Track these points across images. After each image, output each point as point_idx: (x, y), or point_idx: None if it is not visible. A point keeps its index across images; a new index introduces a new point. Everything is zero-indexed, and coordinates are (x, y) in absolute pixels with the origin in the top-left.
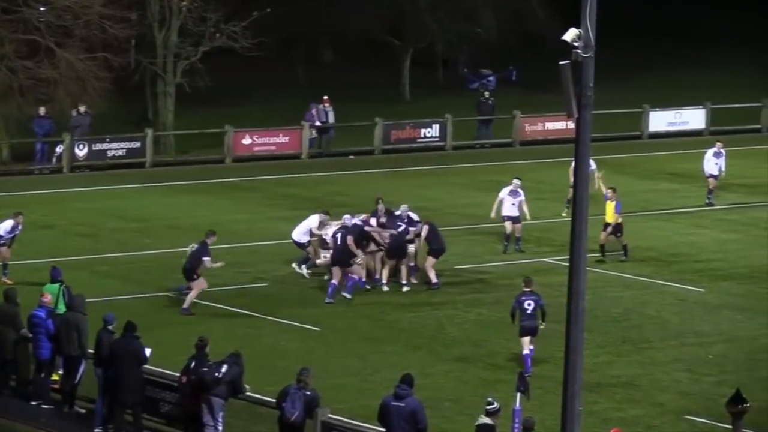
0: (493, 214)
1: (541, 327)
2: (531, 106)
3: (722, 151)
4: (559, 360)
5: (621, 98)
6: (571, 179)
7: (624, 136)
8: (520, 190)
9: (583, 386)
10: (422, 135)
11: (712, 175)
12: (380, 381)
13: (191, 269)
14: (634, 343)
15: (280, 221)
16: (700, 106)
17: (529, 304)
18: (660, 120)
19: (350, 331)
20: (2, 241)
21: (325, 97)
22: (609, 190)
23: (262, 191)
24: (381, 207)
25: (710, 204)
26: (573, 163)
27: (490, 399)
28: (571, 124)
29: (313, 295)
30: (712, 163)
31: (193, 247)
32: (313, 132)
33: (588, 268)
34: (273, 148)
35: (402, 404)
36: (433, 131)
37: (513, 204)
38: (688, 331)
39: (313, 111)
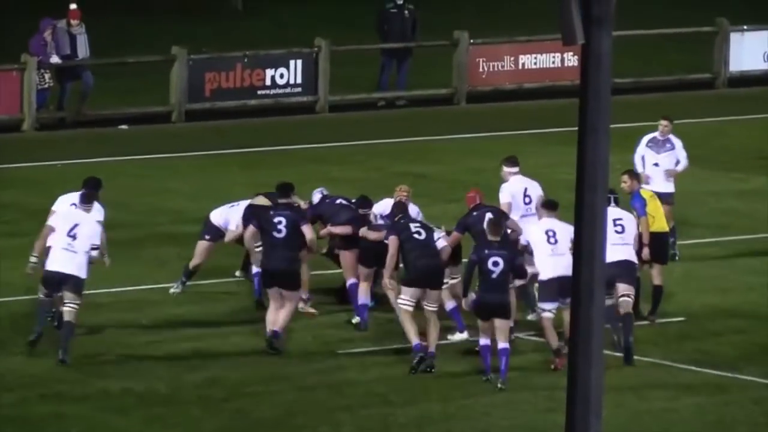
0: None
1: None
2: (489, 23)
3: None
4: None
5: (671, 11)
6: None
7: (680, 82)
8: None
9: None
10: (268, 82)
11: None
12: None
13: None
14: None
15: None
16: None
17: (495, 264)
18: (753, 49)
19: None
20: None
21: (73, 7)
22: None
23: None
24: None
25: None
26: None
27: None
28: (572, 59)
29: None
30: None
31: None
32: (47, 77)
33: (607, 352)
34: None
35: None
36: (291, 74)
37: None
38: None
39: (47, 35)
